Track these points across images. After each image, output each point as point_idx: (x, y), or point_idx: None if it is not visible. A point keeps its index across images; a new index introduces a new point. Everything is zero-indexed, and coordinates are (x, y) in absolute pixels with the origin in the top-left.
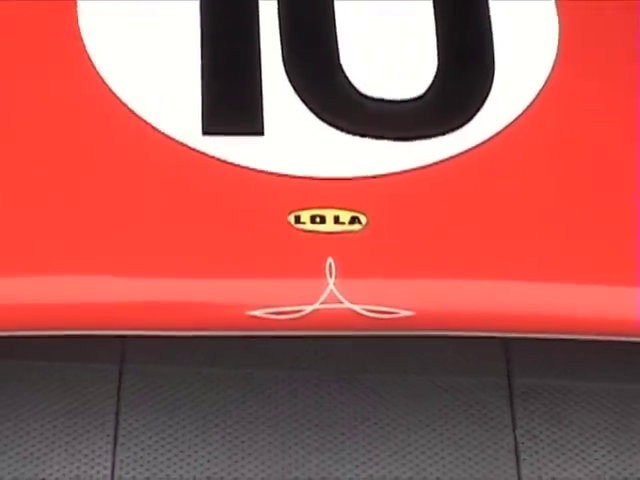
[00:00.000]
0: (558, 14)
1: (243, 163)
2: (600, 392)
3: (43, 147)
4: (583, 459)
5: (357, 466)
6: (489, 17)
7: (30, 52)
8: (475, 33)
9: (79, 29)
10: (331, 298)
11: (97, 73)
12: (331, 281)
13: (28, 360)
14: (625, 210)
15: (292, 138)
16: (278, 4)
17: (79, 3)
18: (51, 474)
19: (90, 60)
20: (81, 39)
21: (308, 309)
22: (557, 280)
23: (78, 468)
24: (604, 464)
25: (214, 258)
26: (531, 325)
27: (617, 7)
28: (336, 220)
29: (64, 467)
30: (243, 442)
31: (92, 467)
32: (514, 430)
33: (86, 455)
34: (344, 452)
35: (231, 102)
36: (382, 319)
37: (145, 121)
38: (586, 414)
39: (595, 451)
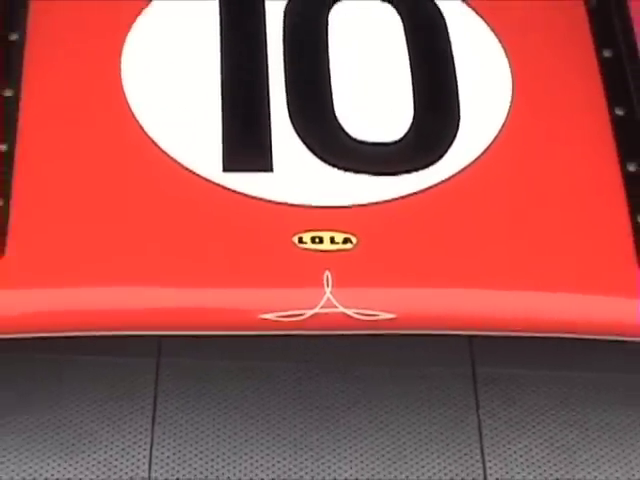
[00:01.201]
0: (510, 69)
1: (256, 195)
2: (548, 379)
3: (90, 178)
4: (533, 433)
5: (349, 440)
6: (455, 73)
7: (82, 98)
8: (443, 87)
9: (121, 79)
10: (328, 304)
11: (135, 119)
12: (328, 290)
13: (80, 355)
14: (576, 227)
15: (296, 174)
16: (284, 62)
17: (123, 58)
18: (100, 448)
19: (130, 108)
20: (122, 88)
21: (309, 313)
22: (513, 288)
23: (123, 443)
24: (551, 437)
25: (233, 272)
26: (491, 325)
27: (561, 60)
28: (332, 240)
29: (111, 442)
30: (257, 421)
31: (134, 442)
32: (477, 410)
33: (130, 432)
34: (339, 429)
35: (246, 145)
36: (369, 320)
37: (176, 160)
38: (536, 397)
39: (543, 427)
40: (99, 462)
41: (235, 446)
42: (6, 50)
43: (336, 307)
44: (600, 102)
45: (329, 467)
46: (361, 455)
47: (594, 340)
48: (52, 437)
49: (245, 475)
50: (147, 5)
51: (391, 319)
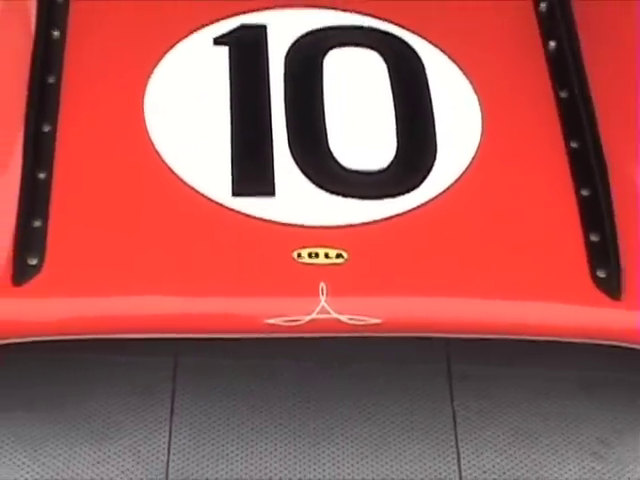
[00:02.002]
0: (480, 107)
1: (260, 216)
2: (514, 375)
3: (116, 202)
4: (501, 422)
5: (341, 428)
6: (432, 111)
7: (109, 131)
8: (422, 123)
9: (144, 114)
10: (323, 310)
11: (156, 150)
12: (323, 299)
13: (107, 355)
14: (539, 244)
15: (295, 198)
16: (285, 102)
17: (146, 95)
18: (125, 435)
19: (151, 141)
20: (145, 122)
21: (307, 318)
22: (484, 297)
23: (145, 431)
24: (516, 425)
25: (241, 282)
26: (464, 329)
27: (523, 99)
28: (326, 256)
29: (135, 430)
30: (261, 412)
31: (155, 430)
32: (452, 402)
33: (151, 422)
34: (333, 419)
35: (252, 173)
36: (358, 325)
37: (191, 186)
38: (504, 391)
39: (510, 417)
40: (124, 447)
41: (242, 433)
42: (45, 92)
43: (330, 313)
44: (557, 136)
45: (324, 451)
46: (351, 441)
47: (555, 341)
48: (83, 426)
49: (251, 458)
50: (169, 49)
51: (377, 324)
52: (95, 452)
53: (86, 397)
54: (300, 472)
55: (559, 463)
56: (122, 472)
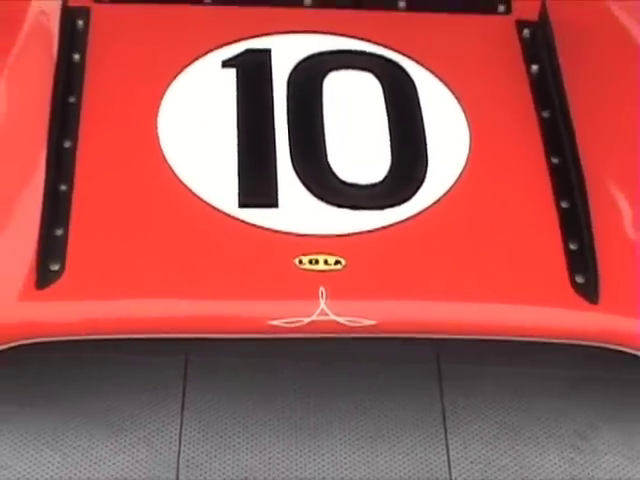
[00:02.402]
0: (468, 125)
1: (265, 226)
2: (499, 374)
3: (131, 212)
4: (487, 417)
5: (339, 422)
6: (424, 128)
7: (125, 147)
8: (414, 140)
9: (157, 131)
10: (322, 313)
11: (169, 165)
12: (322, 302)
13: (123, 354)
14: (523, 251)
15: (297, 209)
16: (287, 120)
17: (159, 114)
18: (139, 428)
19: (164, 157)
20: (158, 139)
21: (307, 320)
22: (471, 300)
23: (158, 424)
24: (501, 419)
25: (247, 287)
26: (453, 330)
27: (508, 117)
28: (325, 262)
29: (149, 423)
30: (265, 407)
31: (167, 423)
32: (442, 399)
33: (164, 415)
34: (331, 413)
35: (256, 186)
36: (355, 326)
37: (201, 198)
38: (491, 388)
39: (495, 411)
40: (139, 439)
41: (247, 426)
42: (66, 110)
43: (329, 315)
44: (539, 152)
45: (322, 443)
46: (348, 434)
47: (538, 342)
48: (100, 420)
49: (256, 448)
50: (181, 71)
51: (373, 325)
52: (112, 443)
53: (103, 393)
54: (300, 461)
55: (540, 454)
56: (137, 462)
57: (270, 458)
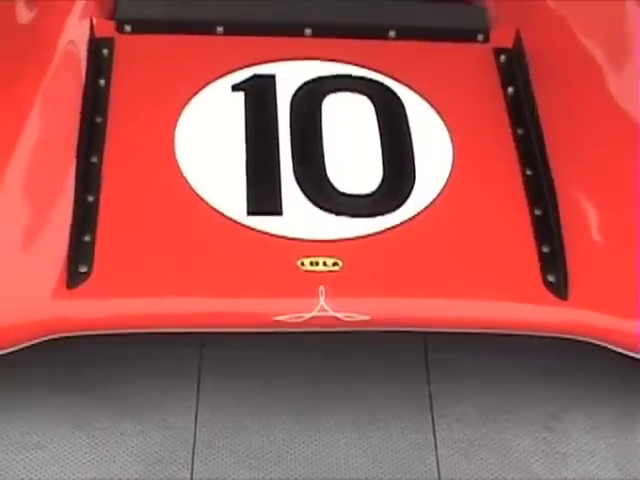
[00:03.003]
0: (451, 142)
1: (270, 231)
2: (483, 362)
3: (151, 220)
4: (469, 401)
5: (338, 405)
6: (412, 146)
7: (146, 161)
8: (403, 155)
9: (175, 147)
10: (322, 309)
11: (184, 178)
12: (322, 299)
13: (142, 346)
14: (501, 254)
15: (298, 217)
16: (290, 138)
17: (176, 132)
18: (158, 412)
19: (181, 171)
20: (175, 154)
21: (309, 315)
22: (455, 297)
23: (176, 407)
24: (482, 403)
25: (255, 286)
26: (439, 324)
27: (486, 135)
28: (324, 264)
29: (168, 409)
30: (273, 391)
31: (185, 408)
32: (429, 385)
33: (181, 399)
34: (331, 398)
35: (263, 196)
36: (351, 321)
37: (213, 207)
38: (474, 375)
39: (476, 396)
40: (159, 421)
41: (257, 409)
42: (93, 129)
43: (328, 311)
44: (515, 165)
45: (323, 425)
46: (346, 415)
47: (515, 334)
48: (124, 405)
49: (264, 428)
50: (195, 94)
51: (366, 320)
52: (135, 425)
53: (127, 380)
54: (303, 441)
55: (517, 434)
56: (157, 442)
57: (276, 436)
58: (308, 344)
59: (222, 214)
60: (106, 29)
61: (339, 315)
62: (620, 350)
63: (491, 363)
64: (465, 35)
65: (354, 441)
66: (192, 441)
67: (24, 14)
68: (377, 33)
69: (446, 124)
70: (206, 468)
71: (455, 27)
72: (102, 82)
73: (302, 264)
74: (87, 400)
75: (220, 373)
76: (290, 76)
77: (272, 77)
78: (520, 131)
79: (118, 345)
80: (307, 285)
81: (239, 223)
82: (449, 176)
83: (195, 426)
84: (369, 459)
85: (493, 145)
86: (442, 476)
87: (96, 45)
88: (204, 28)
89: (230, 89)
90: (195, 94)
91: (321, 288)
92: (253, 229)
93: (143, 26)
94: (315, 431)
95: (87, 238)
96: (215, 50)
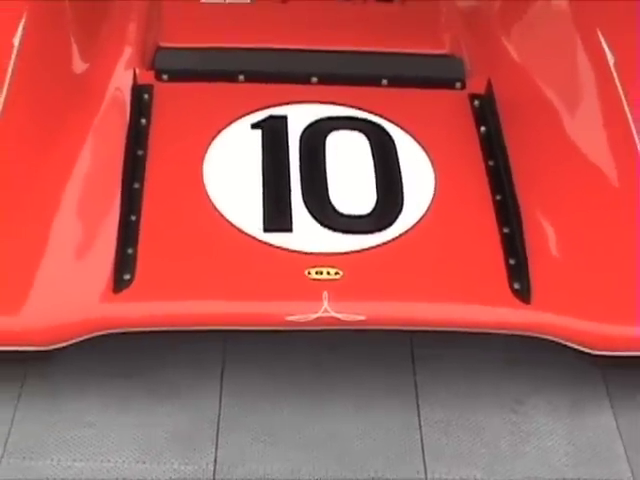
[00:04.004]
0: (434, 170)
1: (282, 246)
2: (461, 354)
3: (185, 237)
4: (449, 388)
5: (338, 390)
6: (400, 174)
7: (178, 187)
8: (393, 182)
9: (203, 174)
10: (325, 311)
11: (210, 199)
12: (325, 303)
13: (173, 342)
14: (473, 267)
15: (306, 233)
16: (300, 167)
17: (205, 161)
18: (190, 394)
19: (207, 192)
20: (203, 181)
21: (314, 316)
22: (436, 301)
23: (203, 391)
24: (458, 389)
25: (270, 292)
26: (424, 324)
27: (462, 165)
28: (328, 273)
29: (196, 390)
30: (284, 378)
31: (211, 390)
32: (414, 375)
33: (208, 384)
34: (333, 384)
35: (277, 216)
36: (349, 320)
37: (235, 225)
38: (453, 366)
39: (456, 384)
40: (189, 402)
41: (271, 394)
42: (135, 160)
43: (330, 313)
44: (486, 191)
45: (326, 408)
46: (345, 399)
47: (486, 332)
48: (159, 389)
49: (277, 409)
50: (221, 131)
51: (362, 320)
52: (169, 407)
53: (163, 371)
54: (309, 420)
55: (487, 415)
56: (188, 421)
57: (287, 416)
58: (313, 340)
59: (242, 231)
60: (146, 77)
61: (339, 316)
62: (574, 346)
63: (467, 357)
64: (445, 83)
65: (353, 421)
66: (217, 420)
67: (80, 65)
68: (372, 81)
69: (429, 157)
70: (228, 443)
71: (437, 76)
72: (143, 121)
73: (309, 273)
74: (130, 385)
75: (240, 364)
76: (299, 117)
77: (284, 117)
78: (491, 163)
79: (155, 340)
80: (313, 291)
81: (256, 239)
82: (431, 200)
83: (219, 408)
84: (365, 436)
85: (468, 175)
86: (425, 450)
87: (138, 91)
88: (228, 77)
89: (250, 127)
90: (220, 131)
91: (325, 293)
92: (268, 244)
93: (177, 75)
94: (319, 413)
95: (130, 251)
96: (237, 95)
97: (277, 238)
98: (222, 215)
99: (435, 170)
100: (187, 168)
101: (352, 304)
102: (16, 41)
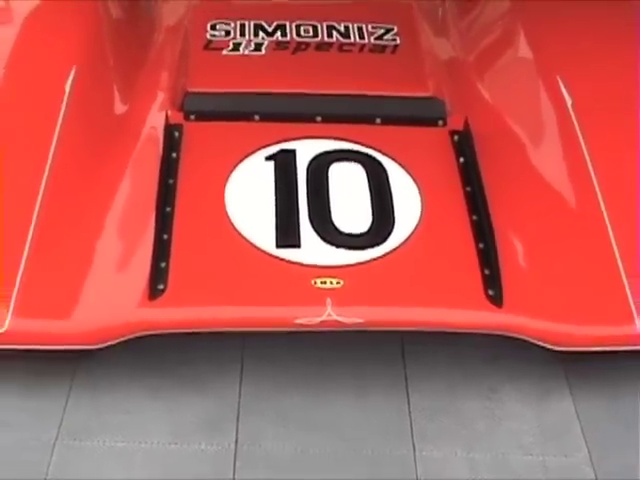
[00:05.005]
0: (420, 196)
1: (292, 259)
2: (444, 352)
3: (212, 257)
4: (435, 379)
5: (338, 380)
6: (392, 198)
7: (204, 210)
8: (386, 205)
9: (225, 199)
10: (329, 315)
11: (230, 220)
12: (329, 308)
13: (197, 341)
14: (451, 276)
15: (312, 249)
16: (307, 193)
17: (226, 189)
18: (213, 384)
19: (228, 215)
20: (225, 203)
21: (319, 319)
22: (421, 306)
23: (225, 381)
24: (443, 381)
25: (281, 299)
26: (414, 325)
27: (443, 191)
28: (330, 282)
29: (219, 380)
30: (295, 370)
31: (231, 384)
32: (405, 369)
33: (228, 375)
34: (333, 375)
35: (287, 234)
36: (349, 322)
37: (251, 242)
38: (438, 361)
39: (441, 376)
40: (213, 391)
41: (283, 384)
42: (167, 189)
43: (332, 316)
44: (464, 213)
45: (330, 396)
46: (346, 389)
47: (467, 332)
48: (187, 380)
49: (288, 398)
50: (240, 162)
51: (360, 322)
52: (196, 396)
53: (191, 364)
54: (316, 406)
55: (466, 402)
56: (212, 408)
57: (296, 405)
58: (318, 339)
59: (257, 247)
60: (177, 118)
61: (341, 319)
62: (539, 343)
63: (449, 353)
64: (429, 121)
65: (352, 408)
66: (237, 407)
67: (120, 107)
68: (367, 120)
69: (416, 183)
70: (247, 426)
71: (422, 116)
72: (174, 155)
73: (314, 283)
74: (161, 378)
75: (256, 359)
76: (306, 150)
77: (293, 151)
78: (468, 189)
79: (184, 339)
80: (318, 298)
81: (269, 253)
82: (419, 220)
83: (239, 396)
84: (363, 420)
85: (449, 199)
86: (414, 432)
87: (170, 129)
88: (246, 117)
89: (264, 159)
90: (239, 162)
91: (328, 300)
92: (280, 258)
93: (203, 115)
94: (324, 400)
95: (163, 265)
96: (253, 132)
97: (287, 253)
98: (240, 234)
99: (421, 195)
100: (211, 194)
101: (351, 309)
102: (67, 87)
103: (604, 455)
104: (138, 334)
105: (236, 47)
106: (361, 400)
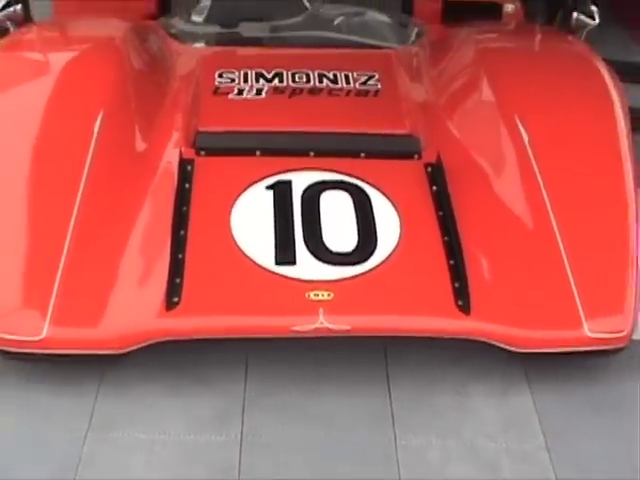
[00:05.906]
0: (399, 219)
1: (288, 275)
2: (420, 354)
3: (223, 275)
4: (414, 377)
5: (332, 378)
6: (374, 220)
7: (214, 234)
8: (370, 226)
9: (230, 223)
10: (321, 323)
11: (235, 242)
12: (321, 317)
13: (207, 346)
14: (425, 285)
15: (306, 266)
16: (301, 217)
17: (232, 214)
18: (222, 380)
19: (233, 237)
20: (230, 227)
21: (312, 327)
22: (402, 314)
23: (231, 380)
24: (421, 380)
25: (279, 310)
26: (395, 331)
27: (419, 214)
28: (322, 295)
29: (226, 376)
30: (296, 367)
31: (237, 382)
32: (387, 367)
33: (234, 372)
34: (327, 373)
35: (284, 252)
36: (338, 329)
37: (253, 260)
38: (415, 360)
39: (420, 376)
40: (220, 390)
41: (283, 382)
42: (181, 216)
43: (324, 324)
44: (437, 233)
45: (323, 392)
46: (337, 386)
47: (440, 337)
48: (200, 378)
49: (287, 394)
50: (243, 191)
51: (348, 329)
52: (207, 392)
53: (203, 364)
54: (312, 401)
55: (439, 397)
56: (220, 402)
57: (294, 401)
58: (313, 344)
59: (258, 264)
60: (189, 153)
61: (331, 326)
62: (503, 346)
63: (425, 354)
64: (407, 155)
65: (342, 402)
66: (242, 402)
67: (141, 144)
68: (353, 154)
69: (396, 209)
70: (251, 419)
71: (400, 150)
72: (187, 185)
73: (308, 295)
74: (177, 377)
75: (259, 361)
76: (301, 181)
77: (290, 181)
78: (440, 213)
79: (196, 344)
80: (312, 308)
81: (269, 270)
82: (398, 241)
83: (244, 393)
84: (351, 412)
85: (424, 222)
86: (395, 422)
87: (183, 163)
88: (248, 152)
89: (264, 189)
90: (243, 191)
91: (320, 310)
92: (278, 273)
93: (213, 151)
94: (318, 395)
95: (178, 280)
96: (255, 165)
97: (285, 269)
98: (244, 253)
99: (400, 218)
100: (219, 219)
101: (340, 318)
102: (96, 128)
103: (557, 442)
104: (157, 340)
105: (240, 92)
106: (350, 395)
